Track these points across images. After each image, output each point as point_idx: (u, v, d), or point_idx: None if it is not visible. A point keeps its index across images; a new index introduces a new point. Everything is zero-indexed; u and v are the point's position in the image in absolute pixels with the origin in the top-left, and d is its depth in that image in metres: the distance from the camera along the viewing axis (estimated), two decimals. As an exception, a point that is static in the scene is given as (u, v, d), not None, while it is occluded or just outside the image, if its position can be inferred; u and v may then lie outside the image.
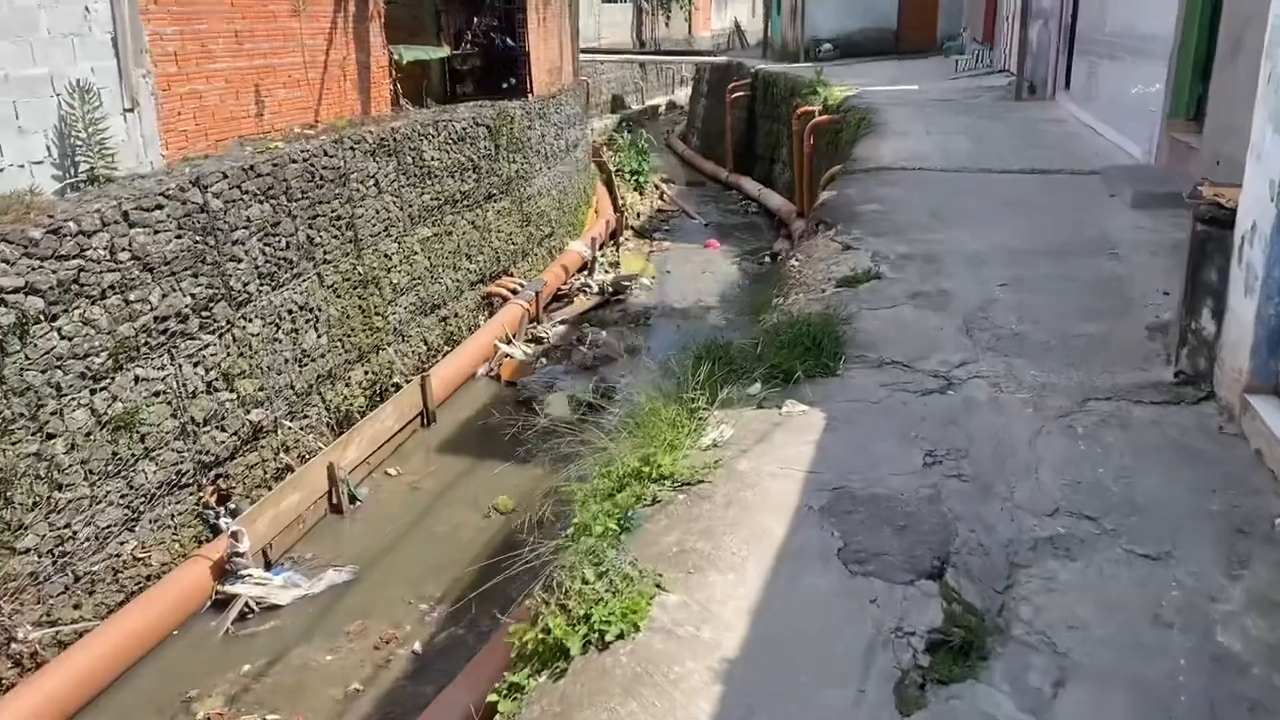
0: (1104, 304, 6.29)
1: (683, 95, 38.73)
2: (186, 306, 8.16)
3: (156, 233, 7.87)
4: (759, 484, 4.08)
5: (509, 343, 13.01)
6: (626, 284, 16.71)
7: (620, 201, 21.82)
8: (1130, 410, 4.87)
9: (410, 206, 11.97)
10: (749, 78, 24.83)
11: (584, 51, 30.26)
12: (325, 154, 10.19)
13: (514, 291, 14.31)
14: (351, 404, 10.47)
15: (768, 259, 18.02)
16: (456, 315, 13.15)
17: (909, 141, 12.30)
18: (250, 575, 7.76)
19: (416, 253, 12.07)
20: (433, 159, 12.49)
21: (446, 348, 12.61)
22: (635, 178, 24.31)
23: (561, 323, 14.78)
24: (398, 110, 13.39)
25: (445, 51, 15.31)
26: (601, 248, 18.39)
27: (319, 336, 9.98)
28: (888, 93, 17.38)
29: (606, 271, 17.49)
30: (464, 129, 13.34)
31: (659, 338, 14.46)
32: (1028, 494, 4.06)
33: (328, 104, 12.07)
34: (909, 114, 14.71)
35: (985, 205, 8.99)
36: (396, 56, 13.49)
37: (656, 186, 25.00)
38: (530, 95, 16.16)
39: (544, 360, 13.04)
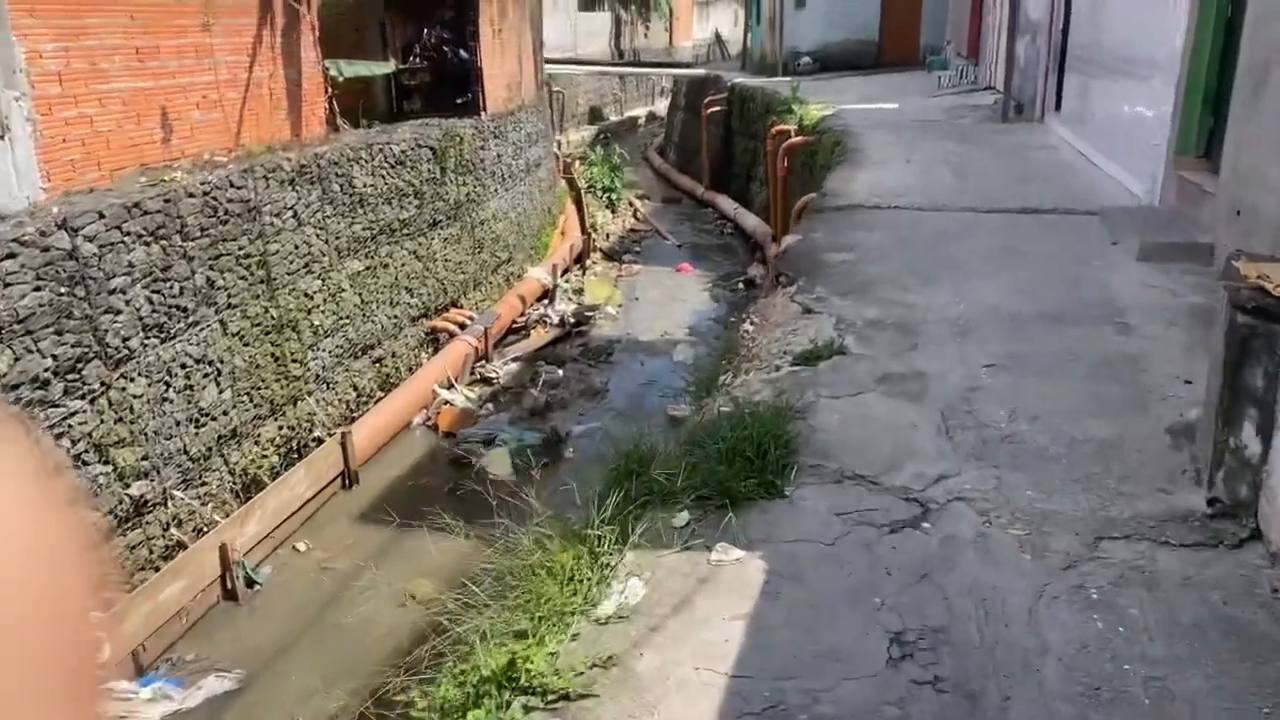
0: (1114, 394, 5.22)
1: (663, 106, 37.66)
2: (47, 370, 7.01)
3: (7, 286, 6.74)
4: (662, 702, 2.97)
5: (450, 388, 11.87)
6: (590, 314, 15.62)
7: (590, 221, 20.72)
8: (1155, 557, 3.80)
9: (338, 239, 10.84)
10: (725, 92, 23.83)
11: (560, 62, 29.24)
12: (231, 185, 9.05)
13: (462, 326, 13.18)
14: (261, 466, 9.32)
15: (741, 285, 17.02)
16: (394, 355, 12.02)
17: (886, 172, 11.23)
18: (109, 690, 6.60)
19: (344, 290, 10.93)
20: (366, 185, 11.37)
21: (381, 393, 11.46)
22: (607, 195, 23.23)
23: (515, 360, 13.65)
24: (333, 131, 12.26)
25: (390, 67, 14.18)
26: (565, 273, 17.30)
27: (221, 391, 8.84)
28: (866, 111, 16.35)
29: (569, 300, 16.37)
30: (403, 151, 12.22)
31: (621, 376, 13.41)
32: (1029, 712, 2.98)
33: (250, 126, 10.91)
34: (887, 138, 13.65)
35: (969, 254, 7.90)
36: (334, 73, 12.34)
37: (630, 204, 23.93)
38: (484, 112, 15.04)
39: (490, 406, 11.92)
